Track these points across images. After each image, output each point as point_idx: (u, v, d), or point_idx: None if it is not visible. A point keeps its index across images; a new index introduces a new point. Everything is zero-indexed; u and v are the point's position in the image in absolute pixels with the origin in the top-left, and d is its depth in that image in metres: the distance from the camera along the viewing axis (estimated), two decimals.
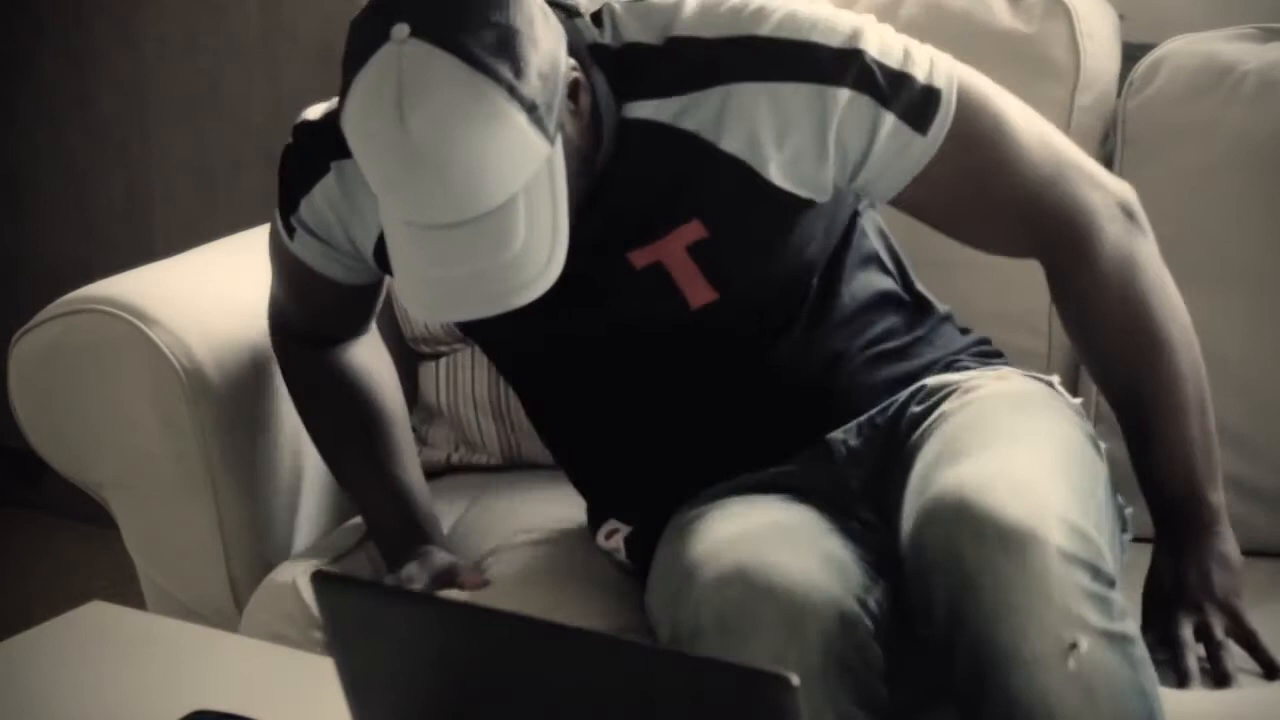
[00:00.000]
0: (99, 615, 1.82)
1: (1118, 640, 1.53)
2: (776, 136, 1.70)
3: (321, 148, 1.81)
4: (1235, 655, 1.72)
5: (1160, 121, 2.12)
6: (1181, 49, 2.15)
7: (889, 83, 1.70)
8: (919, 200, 1.76)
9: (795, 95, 1.70)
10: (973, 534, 1.51)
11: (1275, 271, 2.05)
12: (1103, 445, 1.82)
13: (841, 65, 1.70)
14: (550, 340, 1.82)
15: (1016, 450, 1.63)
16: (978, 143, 1.74)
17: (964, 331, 1.95)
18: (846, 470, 1.81)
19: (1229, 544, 1.78)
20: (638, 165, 1.72)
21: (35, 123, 3.35)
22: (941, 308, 1.93)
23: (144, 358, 2.07)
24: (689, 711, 1.13)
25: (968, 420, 1.72)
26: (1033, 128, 1.77)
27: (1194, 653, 1.71)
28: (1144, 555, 1.83)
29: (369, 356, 2.02)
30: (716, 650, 1.56)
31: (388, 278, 1.93)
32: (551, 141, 1.58)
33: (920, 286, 1.92)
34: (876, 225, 1.91)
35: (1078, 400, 1.89)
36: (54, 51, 3.30)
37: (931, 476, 1.62)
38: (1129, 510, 1.84)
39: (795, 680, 1.06)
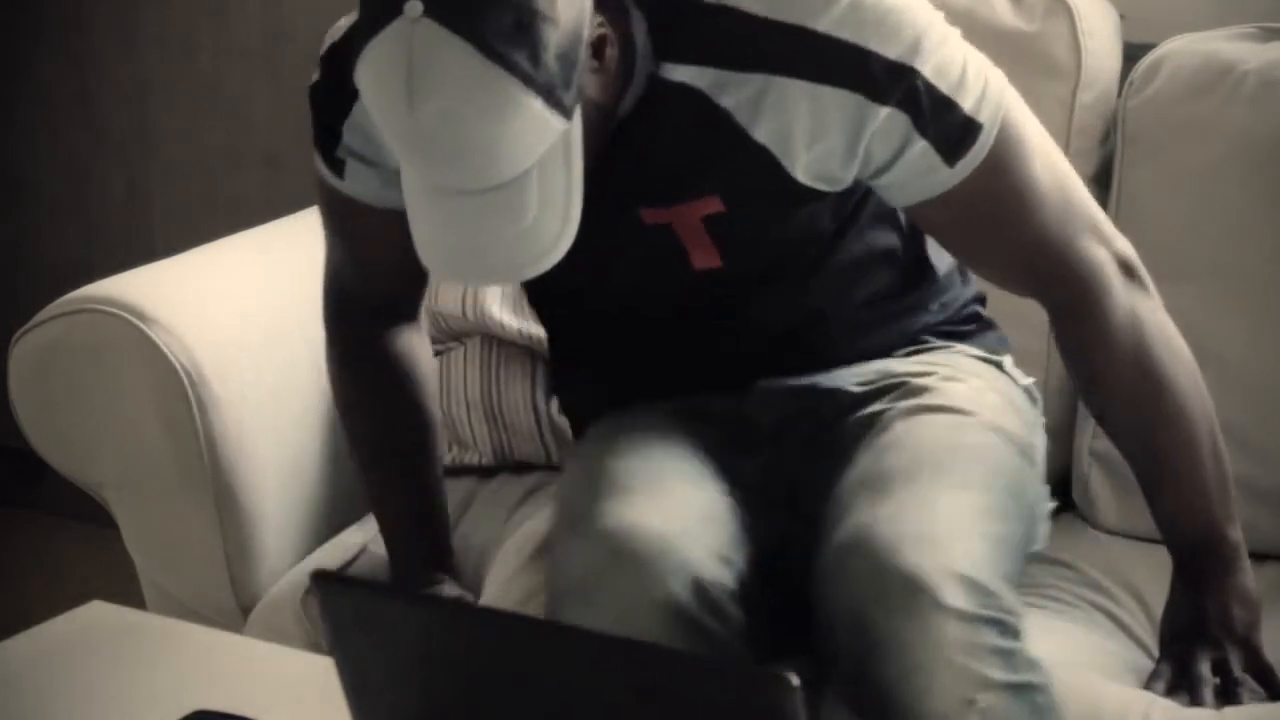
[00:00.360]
0: (99, 615, 1.81)
1: (1023, 690, 1.55)
2: (809, 138, 1.66)
3: (350, 70, 1.72)
4: (1249, 686, 1.74)
5: (1160, 121, 2.12)
6: (1182, 48, 2.15)
7: (932, 108, 1.64)
8: (928, 217, 1.74)
9: (836, 101, 1.64)
10: (879, 592, 1.53)
11: (1275, 271, 2.05)
12: (1041, 444, 1.85)
13: (891, 81, 1.63)
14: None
15: (938, 495, 1.63)
16: (1001, 183, 1.69)
17: (964, 279, 1.93)
18: (758, 408, 1.83)
19: (1248, 579, 1.78)
20: (667, 127, 1.68)
21: (35, 123, 3.35)
22: (942, 268, 1.90)
23: (144, 358, 2.07)
24: (689, 711, 1.13)
25: (903, 435, 1.72)
26: (1053, 171, 1.73)
27: (1211, 687, 1.72)
28: (1137, 550, 1.83)
29: (419, 353, 1.96)
30: (575, 612, 1.61)
31: None
32: (569, 117, 1.54)
33: (929, 246, 1.89)
34: None
35: (1029, 381, 1.90)
36: (54, 51, 3.29)
37: (852, 504, 1.63)
38: (1052, 506, 1.87)
39: (795, 680, 1.06)
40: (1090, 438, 2.11)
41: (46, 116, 3.33)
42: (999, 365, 1.88)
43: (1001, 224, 1.72)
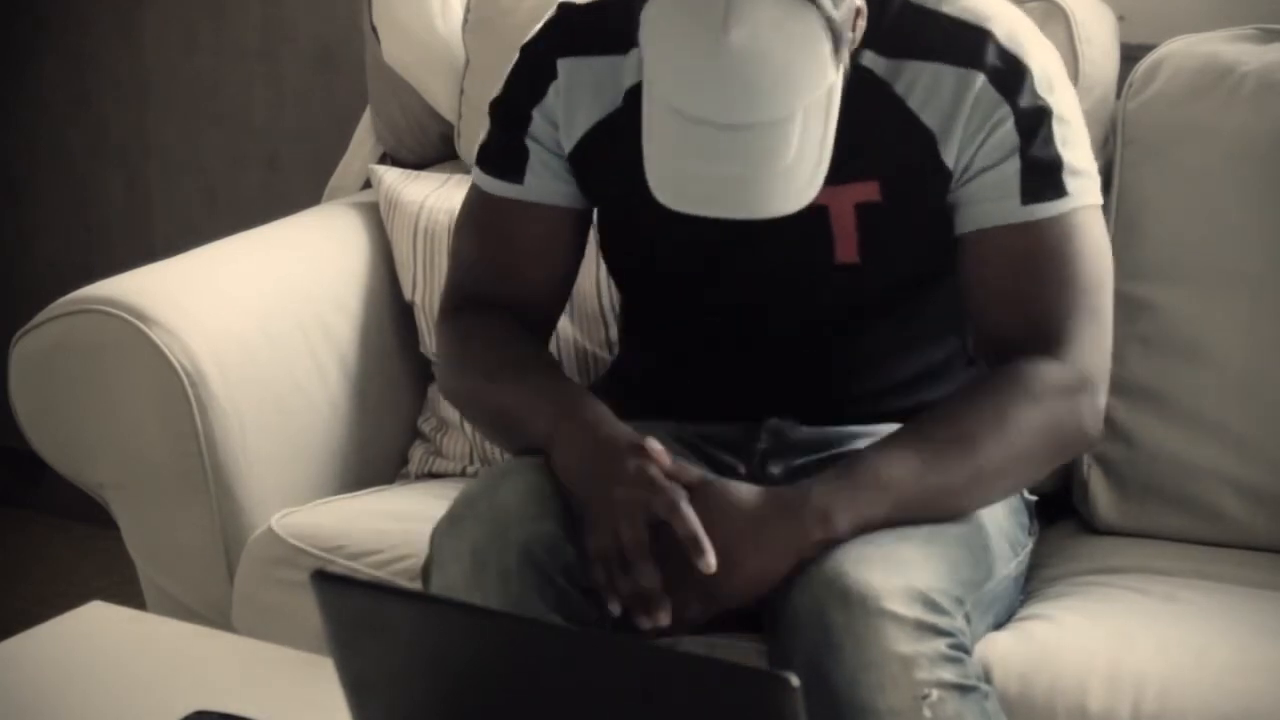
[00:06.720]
0: (99, 615, 1.82)
1: (971, 693, 1.60)
2: (959, 124, 1.74)
3: (549, 50, 1.82)
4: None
5: (1160, 122, 2.12)
6: (1182, 50, 2.15)
7: (1042, 140, 1.73)
8: (976, 250, 1.76)
9: (984, 95, 1.73)
10: (840, 596, 1.58)
11: (1275, 271, 2.05)
12: (1024, 552, 1.86)
13: (1033, 118, 1.74)
14: (679, 233, 1.78)
15: (908, 540, 1.66)
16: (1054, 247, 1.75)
17: None
18: (764, 443, 1.84)
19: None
20: (847, 108, 1.71)
21: (35, 123, 3.35)
22: None
23: (144, 358, 2.07)
24: (689, 711, 1.13)
25: None
26: (1099, 280, 1.77)
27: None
28: (1137, 550, 1.81)
29: (539, 345, 1.90)
30: (441, 536, 1.69)
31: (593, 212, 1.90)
32: (838, 70, 1.62)
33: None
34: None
35: (1032, 497, 1.92)
36: (54, 51, 3.30)
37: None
38: (1033, 499, 1.90)
39: (795, 681, 1.07)
40: None
41: (46, 116, 3.33)
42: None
43: (1037, 279, 1.75)
